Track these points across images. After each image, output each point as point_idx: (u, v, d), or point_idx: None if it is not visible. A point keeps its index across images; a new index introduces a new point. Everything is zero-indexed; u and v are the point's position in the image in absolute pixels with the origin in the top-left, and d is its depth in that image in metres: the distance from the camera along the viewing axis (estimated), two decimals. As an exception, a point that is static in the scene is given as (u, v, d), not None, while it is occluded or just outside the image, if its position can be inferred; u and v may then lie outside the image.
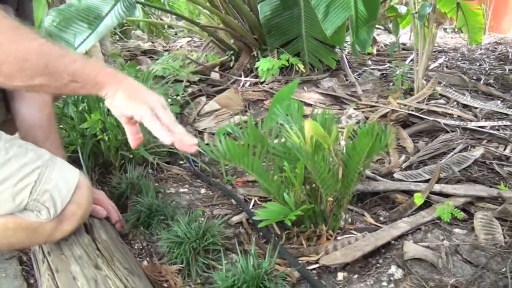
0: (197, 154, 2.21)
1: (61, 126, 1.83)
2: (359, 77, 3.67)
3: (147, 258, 1.42)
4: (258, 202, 1.80)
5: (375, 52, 4.60)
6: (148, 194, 1.61)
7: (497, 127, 2.46)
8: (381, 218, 1.70)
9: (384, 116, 2.64)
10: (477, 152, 2.09)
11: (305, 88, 3.30)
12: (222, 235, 1.42)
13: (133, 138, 1.09)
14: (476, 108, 2.80)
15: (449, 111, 2.66)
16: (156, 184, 1.86)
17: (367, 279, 1.32)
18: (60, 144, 1.45)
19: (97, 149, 1.88)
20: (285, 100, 1.83)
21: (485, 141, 2.32)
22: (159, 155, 2.09)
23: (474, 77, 3.65)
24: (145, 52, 4.99)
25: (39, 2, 2.75)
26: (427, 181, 1.81)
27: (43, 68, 0.95)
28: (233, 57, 3.85)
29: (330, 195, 1.43)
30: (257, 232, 1.59)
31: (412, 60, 3.93)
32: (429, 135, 2.46)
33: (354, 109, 2.79)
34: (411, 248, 1.40)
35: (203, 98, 3.09)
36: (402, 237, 1.50)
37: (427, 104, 2.76)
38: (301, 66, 3.40)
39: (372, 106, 2.86)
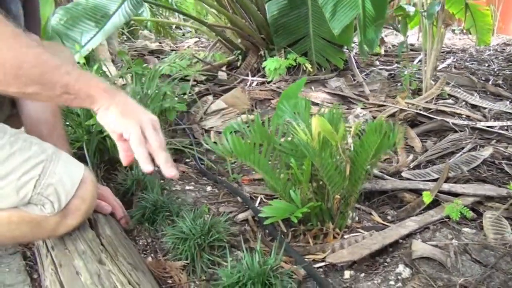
0: (203, 152, 2.20)
1: (67, 122, 1.83)
2: (366, 77, 3.65)
3: (152, 254, 1.41)
4: (264, 200, 1.78)
5: (382, 52, 4.58)
6: (154, 191, 1.60)
7: (506, 127, 2.43)
8: (389, 217, 1.68)
9: (392, 115, 2.62)
10: (486, 152, 2.07)
11: (312, 87, 3.28)
12: (228, 232, 1.41)
13: (125, 155, 1.07)
14: (485, 108, 2.78)
15: (458, 111, 2.64)
16: (162, 181, 1.84)
17: (374, 277, 1.30)
18: (65, 139, 1.44)
19: (103, 146, 1.87)
20: (292, 98, 1.81)
21: (494, 141, 2.29)
22: (165, 152, 2.08)
23: (483, 78, 3.62)
24: (152, 52, 4.99)
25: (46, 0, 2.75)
26: (435, 180, 1.79)
27: (38, 77, 0.96)
28: (240, 57, 3.84)
29: (337, 193, 1.41)
30: (263, 229, 1.57)
31: (420, 60, 3.90)
32: (437, 135, 2.44)
33: (362, 108, 2.77)
34: (419, 247, 1.38)
35: (210, 97, 3.08)
36: (410, 236, 1.48)
37: (435, 104, 2.74)
38: (309, 66, 3.39)
39: (379, 106, 2.84)
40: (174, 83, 2.46)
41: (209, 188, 1.89)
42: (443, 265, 1.32)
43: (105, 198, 1.40)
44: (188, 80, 3.16)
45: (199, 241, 1.31)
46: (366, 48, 3.10)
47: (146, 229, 1.52)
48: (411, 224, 1.51)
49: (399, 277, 1.29)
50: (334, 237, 1.49)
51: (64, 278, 1.07)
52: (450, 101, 2.87)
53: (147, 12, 5.38)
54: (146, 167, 1.03)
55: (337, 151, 1.39)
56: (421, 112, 2.58)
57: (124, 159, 1.08)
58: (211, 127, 2.64)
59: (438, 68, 3.65)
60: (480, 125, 2.43)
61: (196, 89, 3.24)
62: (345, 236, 1.49)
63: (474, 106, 2.83)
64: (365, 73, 3.78)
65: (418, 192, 1.74)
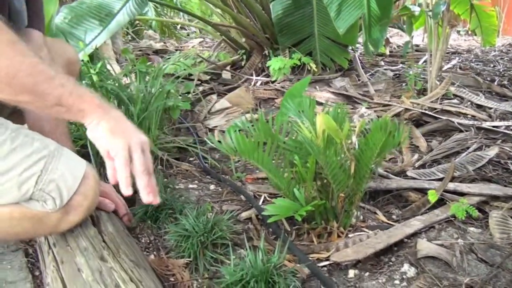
0: (207, 151, 2.19)
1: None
2: (371, 77, 3.64)
3: (154, 252, 1.39)
4: (268, 198, 1.77)
5: (387, 53, 4.57)
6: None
7: (511, 127, 2.41)
8: (394, 216, 1.66)
9: (397, 115, 2.61)
10: (492, 152, 2.05)
11: (317, 87, 3.27)
12: (231, 230, 1.40)
13: (112, 174, 1.06)
14: (491, 108, 2.76)
15: (463, 111, 2.63)
16: (165, 179, 1.83)
17: (379, 276, 1.29)
18: (68, 137, 1.43)
19: (106, 144, 1.86)
20: (296, 97, 1.80)
21: (500, 141, 2.28)
22: (169, 151, 2.08)
23: (488, 78, 3.60)
24: (156, 52, 4.99)
25: (50, -2, 2.75)
26: (440, 179, 1.78)
27: (31, 86, 0.97)
28: (244, 56, 3.83)
29: (341, 191, 1.40)
30: (266, 228, 1.56)
31: (425, 61, 3.89)
32: (443, 135, 2.42)
33: (367, 108, 2.75)
34: (424, 246, 1.37)
35: (214, 96, 3.08)
36: (415, 235, 1.46)
37: (440, 103, 2.73)
38: (313, 66, 3.38)
39: (384, 105, 2.82)
40: (178, 82, 2.46)
41: (212, 187, 1.88)
42: (448, 265, 1.30)
43: (108, 196, 1.39)
44: (193, 79, 3.16)
45: (202, 239, 1.30)
46: (371, 48, 3.09)
47: (149, 227, 1.50)
48: (416, 223, 1.50)
49: (404, 276, 1.27)
50: (339, 236, 1.48)
51: (65, 275, 1.06)
52: (455, 101, 2.86)
53: (151, 12, 5.39)
54: (125, 190, 1.03)
55: (342, 149, 1.38)
56: (426, 111, 2.57)
57: (111, 178, 1.07)
58: (215, 126, 2.63)
59: (443, 69, 3.62)
60: (486, 125, 2.42)
61: (201, 88, 3.23)
62: (350, 235, 1.48)
63: (479, 106, 2.81)
64: (370, 73, 3.77)
65: (423, 191, 1.73)
